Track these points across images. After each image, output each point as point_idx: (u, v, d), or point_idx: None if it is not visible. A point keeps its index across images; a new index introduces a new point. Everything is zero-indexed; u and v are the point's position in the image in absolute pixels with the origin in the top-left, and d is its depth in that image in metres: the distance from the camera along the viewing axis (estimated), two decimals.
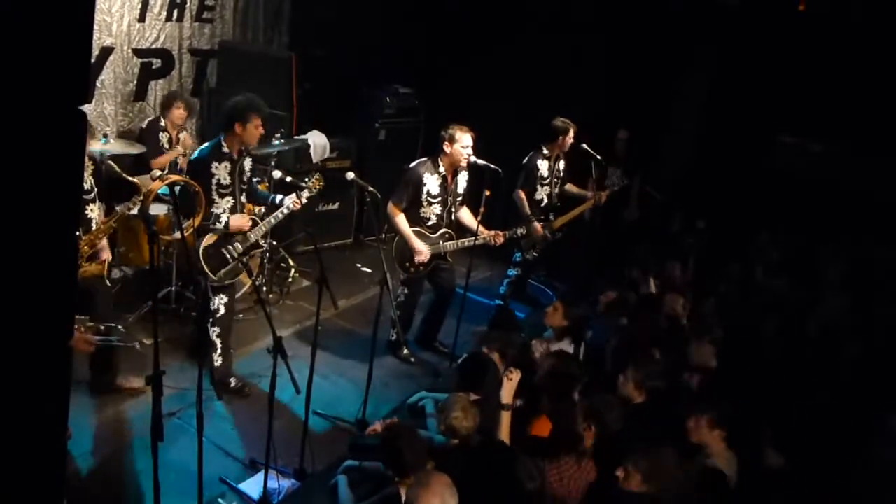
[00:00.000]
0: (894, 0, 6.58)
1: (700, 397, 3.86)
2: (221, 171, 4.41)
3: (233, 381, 4.77)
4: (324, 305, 4.07)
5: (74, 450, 3.82)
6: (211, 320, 4.60)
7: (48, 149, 1.46)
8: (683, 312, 5.05)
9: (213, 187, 4.40)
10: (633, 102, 7.32)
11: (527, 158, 6.11)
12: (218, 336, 4.63)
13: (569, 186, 6.40)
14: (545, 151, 6.09)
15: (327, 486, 3.54)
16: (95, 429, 4.20)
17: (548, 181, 6.14)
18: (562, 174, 6.29)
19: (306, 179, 4.73)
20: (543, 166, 6.10)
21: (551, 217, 6.17)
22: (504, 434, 3.57)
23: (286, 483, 3.93)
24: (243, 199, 4.63)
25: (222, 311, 4.59)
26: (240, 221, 4.50)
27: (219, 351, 4.66)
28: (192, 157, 4.55)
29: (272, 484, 3.80)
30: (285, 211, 4.60)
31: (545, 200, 6.17)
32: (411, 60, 7.75)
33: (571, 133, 6.02)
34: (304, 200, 4.65)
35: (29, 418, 1.59)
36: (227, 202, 4.48)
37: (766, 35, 7.24)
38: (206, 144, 4.57)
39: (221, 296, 4.56)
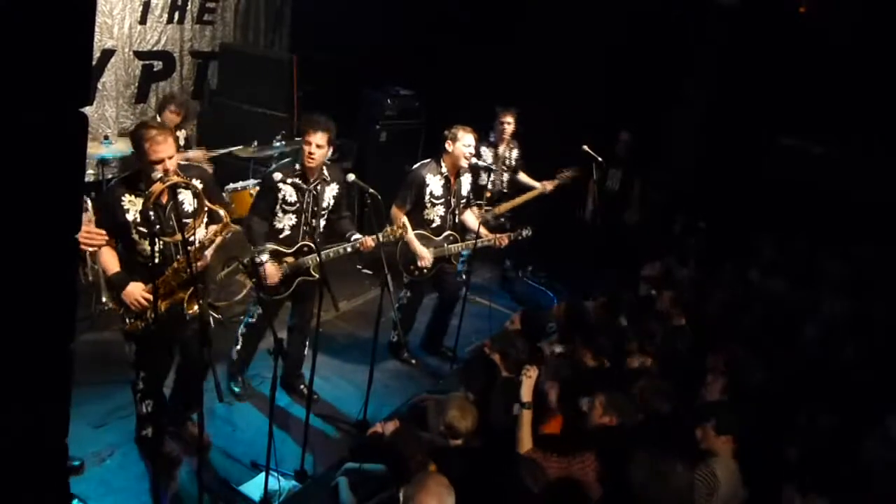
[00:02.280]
0: (894, 1, 6.58)
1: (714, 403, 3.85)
2: (289, 189, 4.35)
3: (239, 379, 4.81)
4: (325, 307, 4.07)
5: (75, 451, 3.82)
6: (247, 320, 4.71)
7: (49, 152, 1.46)
8: (674, 311, 5.03)
9: (279, 202, 4.36)
10: (634, 104, 7.32)
11: None
12: (242, 335, 4.72)
13: (521, 176, 6.41)
14: (490, 139, 6.19)
15: (328, 488, 3.54)
16: (96, 430, 4.20)
17: (493, 167, 6.17)
18: (513, 163, 6.32)
19: (386, 229, 4.57)
20: (487, 154, 6.16)
21: (493, 207, 6.19)
22: (525, 432, 3.55)
23: (287, 485, 3.93)
24: (316, 223, 4.47)
25: (255, 320, 4.65)
26: (271, 271, 4.36)
27: (239, 346, 4.74)
28: (267, 172, 4.51)
29: (273, 486, 3.80)
30: (348, 248, 4.46)
31: (488, 186, 6.17)
32: (412, 62, 7.76)
33: (504, 117, 6.08)
34: (373, 243, 4.43)
35: (27, 422, 1.59)
36: (290, 219, 4.41)
37: (766, 37, 7.24)
38: (283, 161, 4.56)
39: (259, 307, 4.60)
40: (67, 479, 1.81)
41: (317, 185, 4.41)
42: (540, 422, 3.78)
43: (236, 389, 4.77)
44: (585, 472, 3.30)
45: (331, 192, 4.50)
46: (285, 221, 4.41)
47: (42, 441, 1.64)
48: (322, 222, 4.51)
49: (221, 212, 3.67)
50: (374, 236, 4.39)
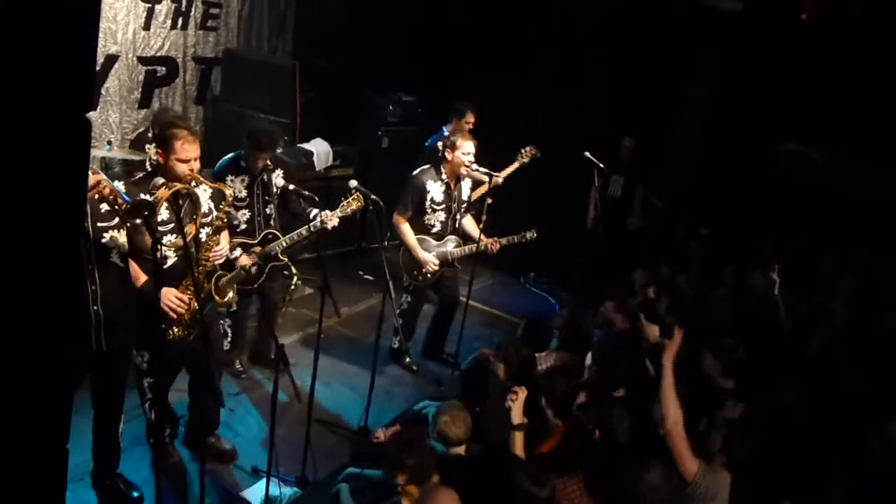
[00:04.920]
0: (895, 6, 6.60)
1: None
2: (237, 185, 4.52)
3: (237, 364, 5.05)
4: (326, 313, 4.07)
5: (76, 457, 3.80)
6: (227, 311, 4.86)
7: (52, 157, 1.46)
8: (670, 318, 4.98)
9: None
10: (637, 110, 7.33)
11: (429, 141, 6.16)
12: (230, 327, 4.94)
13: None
14: (445, 133, 5.95)
15: (329, 494, 3.53)
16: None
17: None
18: None
19: (343, 199, 4.59)
20: None
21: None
22: (519, 454, 3.52)
23: (288, 491, 3.92)
24: (269, 210, 4.69)
25: (234, 307, 4.80)
26: (246, 261, 4.41)
27: (229, 338, 4.96)
28: (214, 171, 4.63)
29: (274, 492, 3.79)
30: (311, 228, 4.58)
31: None
32: (414, 68, 7.78)
33: (469, 116, 6.03)
34: (335, 220, 4.54)
35: (27, 428, 1.59)
36: (244, 214, 4.56)
37: (768, 42, 7.25)
38: (225, 157, 4.68)
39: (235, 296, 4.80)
40: (65, 485, 1.81)
41: (262, 175, 4.59)
42: (538, 441, 3.74)
43: (239, 368, 5.07)
44: (582, 491, 3.27)
45: (276, 177, 4.68)
46: (239, 217, 4.46)
47: (42, 446, 1.64)
48: (269, 210, 4.72)
49: (227, 191, 3.70)
50: (335, 212, 4.52)
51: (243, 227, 4.56)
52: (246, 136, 4.55)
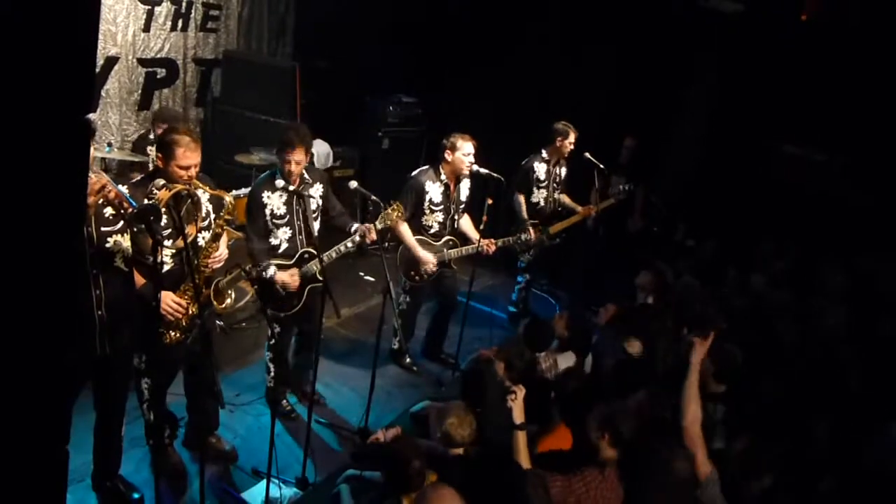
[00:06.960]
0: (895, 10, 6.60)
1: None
2: (275, 201, 4.24)
3: (284, 404, 4.73)
4: (326, 314, 4.07)
5: (77, 459, 3.81)
6: (267, 345, 4.63)
7: (52, 158, 1.47)
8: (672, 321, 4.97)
9: (268, 218, 4.25)
10: (637, 111, 7.33)
11: (525, 160, 6.13)
12: (271, 361, 4.60)
13: (563, 196, 6.36)
14: (544, 155, 6.10)
15: (329, 495, 3.53)
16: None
17: (545, 185, 6.13)
18: (561, 180, 6.27)
19: (384, 208, 4.41)
20: (541, 169, 6.09)
21: (548, 226, 6.09)
22: (522, 454, 3.47)
23: (288, 492, 3.92)
24: (310, 227, 4.31)
25: (275, 340, 4.55)
26: (286, 279, 4.28)
27: (272, 374, 4.62)
28: (250, 191, 4.39)
29: (274, 493, 3.79)
30: (349, 244, 4.41)
31: (541, 204, 6.16)
32: (414, 69, 7.79)
33: (571, 137, 5.98)
34: (374, 233, 4.35)
35: (26, 432, 1.59)
36: (285, 233, 4.31)
37: (768, 44, 7.26)
38: (260, 176, 4.42)
39: (275, 325, 4.45)
40: (65, 486, 1.81)
41: (300, 189, 4.26)
42: (540, 435, 3.73)
43: (287, 407, 4.74)
44: (588, 489, 3.26)
45: (316, 192, 4.39)
46: (280, 235, 4.31)
47: (42, 448, 1.64)
48: (317, 225, 4.41)
49: (226, 198, 3.63)
50: (373, 224, 4.33)
51: (285, 246, 4.32)
52: (277, 143, 4.25)
